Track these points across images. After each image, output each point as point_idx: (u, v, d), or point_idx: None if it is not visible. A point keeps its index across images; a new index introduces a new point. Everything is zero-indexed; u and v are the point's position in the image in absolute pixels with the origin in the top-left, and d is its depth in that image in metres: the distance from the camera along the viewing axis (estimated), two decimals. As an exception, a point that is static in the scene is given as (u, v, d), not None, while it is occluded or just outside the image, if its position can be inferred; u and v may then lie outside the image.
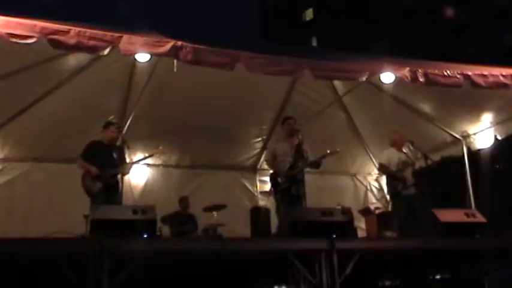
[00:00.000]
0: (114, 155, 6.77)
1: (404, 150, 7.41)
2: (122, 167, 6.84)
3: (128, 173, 7.16)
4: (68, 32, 4.99)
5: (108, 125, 6.99)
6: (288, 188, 6.67)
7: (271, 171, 7.19)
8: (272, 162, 6.96)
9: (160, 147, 7.74)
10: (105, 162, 6.65)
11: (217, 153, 9.47)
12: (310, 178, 6.86)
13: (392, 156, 7.42)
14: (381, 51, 24.66)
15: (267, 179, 7.97)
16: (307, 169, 6.95)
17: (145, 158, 7.78)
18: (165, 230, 7.90)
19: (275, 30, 38.67)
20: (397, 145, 7.46)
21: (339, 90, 8.62)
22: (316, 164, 6.79)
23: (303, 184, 6.87)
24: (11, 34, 4.77)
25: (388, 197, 9.80)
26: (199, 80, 7.23)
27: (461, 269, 6.49)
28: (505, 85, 6.47)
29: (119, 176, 6.88)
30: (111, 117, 7.96)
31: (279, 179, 6.86)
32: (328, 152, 6.80)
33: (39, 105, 7.66)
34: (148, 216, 5.08)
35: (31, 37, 4.83)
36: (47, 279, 4.76)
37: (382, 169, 7.86)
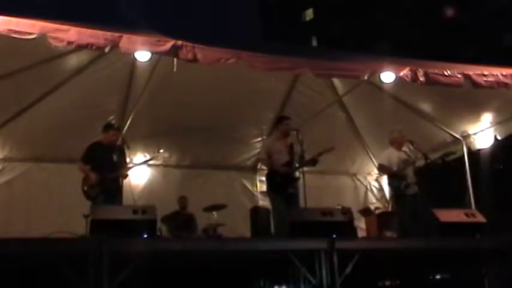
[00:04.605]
0: (114, 157, 6.75)
1: (404, 149, 7.40)
2: (123, 168, 6.83)
3: (125, 177, 7.07)
4: (68, 30, 5.01)
5: (107, 128, 6.98)
6: (285, 187, 6.66)
7: (267, 171, 7.19)
8: (267, 160, 6.96)
9: (161, 150, 7.72)
10: (105, 165, 6.65)
11: (217, 153, 9.47)
12: (310, 178, 6.83)
13: (392, 155, 7.40)
14: (381, 51, 24.68)
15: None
16: (307, 168, 6.93)
17: (146, 161, 7.77)
18: (165, 230, 7.91)
19: (275, 30, 38.69)
20: (396, 144, 7.44)
21: (339, 90, 8.62)
22: (312, 162, 6.76)
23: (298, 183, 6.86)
24: (12, 30, 4.79)
25: (388, 197, 9.84)
26: (199, 80, 7.23)
27: (461, 269, 6.49)
28: (505, 85, 6.48)
29: (120, 179, 6.86)
30: (110, 118, 7.98)
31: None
32: (324, 149, 6.77)
33: (39, 105, 7.66)
34: (148, 216, 5.08)
35: (31, 33, 4.85)
36: (47, 279, 4.76)
37: (383, 170, 7.86)
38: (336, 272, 5.02)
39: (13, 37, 4.85)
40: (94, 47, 5.13)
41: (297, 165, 6.72)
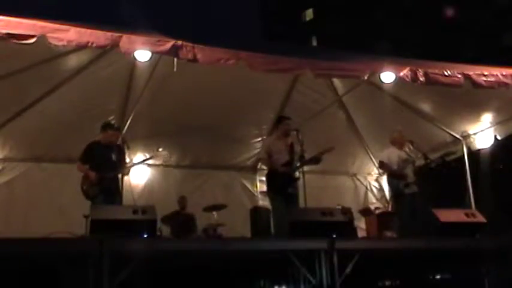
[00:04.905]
0: (113, 156, 6.73)
1: (405, 149, 7.43)
2: (122, 168, 6.82)
3: (126, 174, 7.12)
4: (68, 30, 5.01)
5: (106, 127, 6.95)
6: (285, 187, 6.65)
7: (267, 171, 7.18)
8: (267, 160, 6.95)
9: (160, 149, 7.73)
10: (104, 164, 6.64)
11: (217, 153, 9.48)
12: (310, 178, 6.83)
13: (392, 155, 7.43)
14: (381, 51, 24.69)
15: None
16: (307, 168, 6.93)
17: (144, 160, 7.78)
18: (165, 230, 7.91)
19: (275, 30, 38.71)
20: (397, 144, 7.47)
21: (339, 90, 8.62)
22: (315, 160, 6.76)
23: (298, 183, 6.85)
24: (11, 35, 4.77)
25: (388, 196, 9.84)
26: (199, 80, 7.23)
27: (461, 269, 6.49)
28: (505, 85, 6.48)
29: (119, 176, 6.86)
30: (110, 118, 7.97)
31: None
32: (324, 149, 6.77)
33: (39, 105, 7.66)
34: (148, 216, 5.07)
35: (31, 37, 4.84)
36: (47, 279, 4.76)
37: (383, 167, 7.85)
38: (336, 272, 5.01)
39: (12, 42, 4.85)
40: (94, 45, 5.13)
41: (298, 164, 6.71)
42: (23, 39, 4.84)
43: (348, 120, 9.34)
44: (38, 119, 7.76)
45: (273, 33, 38.36)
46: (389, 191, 9.53)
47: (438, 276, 6.79)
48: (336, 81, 8.39)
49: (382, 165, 7.80)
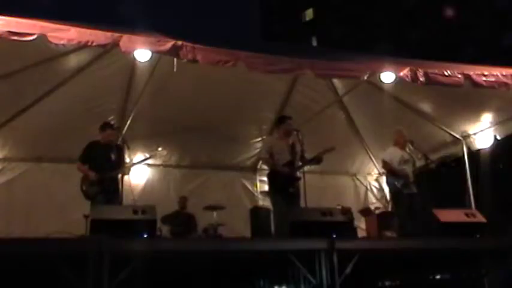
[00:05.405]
0: (112, 156, 6.72)
1: (407, 150, 7.45)
2: (122, 167, 6.82)
3: (127, 174, 7.12)
4: (68, 30, 5.01)
5: (105, 127, 6.94)
6: (286, 186, 6.65)
7: (268, 171, 7.17)
8: (269, 159, 6.94)
9: (160, 149, 7.73)
10: (104, 164, 6.64)
11: (217, 153, 9.48)
12: (310, 178, 6.81)
13: (395, 154, 7.45)
14: (381, 51, 24.70)
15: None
16: (307, 168, 6.92)
17: (144, 159, 7.78)
18: (165, 230, 7.92)
19: (275, 30, 38.76)
20: (399, 144, 7.50)
21: (339, 91, 8.62)
22: (317, 160, 6.75)
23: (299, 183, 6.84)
24: (11, 32, 4.78)
25: (388, 196, 9.85)
26: (199, 80, 7.23)
27: (461, 269, 6.49)
28: (505, 85, 6.48)
29: (119, 177, 6.85)
30: (110, 118, 7.98)
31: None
32: (325, 149, 6.77)
33: (39, 105, 7.66)
34: (148, 216, 5.07)
35: (31, 34, 4.85)
36: (46, 279, 4.76)
37: (385, 166, 7.86)
38: (336, 272, 5.01)
39: (13, 40, 4.85)
40: (95, 44, 5.13)
41: (300, 164, 6.71)
42: (23, 37, 4.85)
43: (348, 120, 9.34)
44: (38, 119, 7.76)
45: (273, 33, 38.39)
46: (389, 191, 9.53)
47: (438, 276, 6.80)
48: (336, 81, 8.39)
49: (385, 164, 7.82)
